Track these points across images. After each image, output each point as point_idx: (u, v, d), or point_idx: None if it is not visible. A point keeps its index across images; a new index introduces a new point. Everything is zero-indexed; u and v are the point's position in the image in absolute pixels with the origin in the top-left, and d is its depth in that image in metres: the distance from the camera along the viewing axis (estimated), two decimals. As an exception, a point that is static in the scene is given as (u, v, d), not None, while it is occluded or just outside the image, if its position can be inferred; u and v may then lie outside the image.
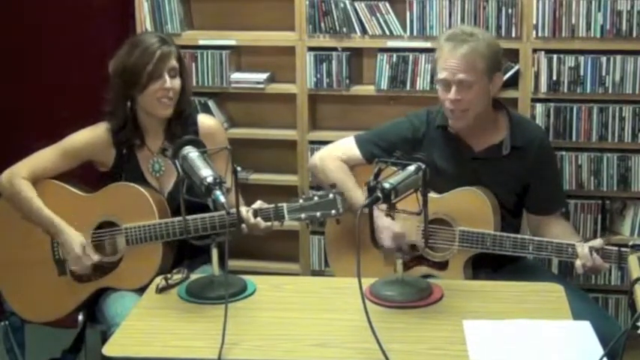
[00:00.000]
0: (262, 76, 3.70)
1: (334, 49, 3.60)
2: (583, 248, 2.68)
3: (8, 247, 2.97)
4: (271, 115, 3.81)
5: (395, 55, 3.55)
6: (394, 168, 2.49)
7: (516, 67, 3.46)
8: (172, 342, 2.30)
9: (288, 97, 3.70)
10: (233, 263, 3.16)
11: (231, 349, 2.21)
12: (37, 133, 3.19)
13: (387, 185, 2.32)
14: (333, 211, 2.62)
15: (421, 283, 2.56)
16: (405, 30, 3.52)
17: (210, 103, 3.72)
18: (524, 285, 2.59)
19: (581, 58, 3.40)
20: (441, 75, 2.84)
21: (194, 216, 2.72)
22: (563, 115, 3.45)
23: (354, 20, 3.55)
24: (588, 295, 3.11)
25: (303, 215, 2.65)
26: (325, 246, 3.20)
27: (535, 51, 3.43)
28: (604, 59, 3.38)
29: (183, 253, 2.89)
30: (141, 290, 2.70)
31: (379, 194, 2.31)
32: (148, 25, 3.67)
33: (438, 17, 3.47)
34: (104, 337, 2.80)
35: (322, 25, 3.57)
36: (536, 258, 3.08)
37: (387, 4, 3.52)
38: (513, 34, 3.43)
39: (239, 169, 2.51)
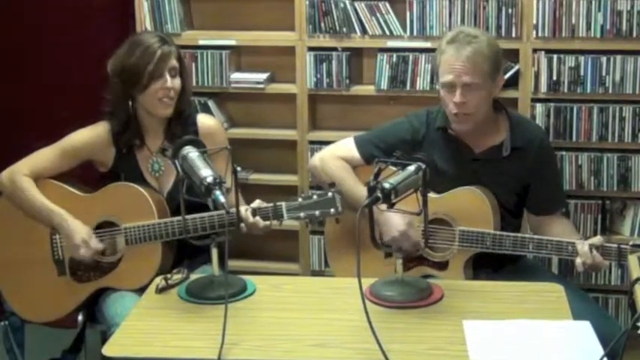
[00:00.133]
0: (262, 76, 3.70)
1: (334, 49, 3.60)
2: (583, 246, 2.67)
3: (8, 247, 2.96)
4: (271, 115, 3.81)
5: (395, 55, 3.55)
6: (394, 168, 2.49)
7: (516, 67, 3.46)
8: (172, 342, 2.30)
9: (288, 97, 3.70)
10: (233, 263, 3.16)
11: (231, 349, 2.21)
12: (37, 133, 3.18)
13: (387, 185, 2.32)
14: (332, 210, 2.62)
15: (421, 283, 2.56)
16: (405, 30, 3.52)
17: (210, 103, 3.72)
18: (524, 285, 2.59)
19: (582, 58, 3.40)
20: (446, 78, 2.82)
21: (193, 215, 2.72)
22: (563, 115, 3.45)
23: (354, 20, 3.55)
24: (588, 295, 3.11)
25: (302, 214, 2.65)
26: (325, 246, 3.20)
27: (535, 51, 3.43)
28: (604, 59, 3.38)
29: (183, 253, 2.89)
30: (141, 290, 2.69)
31: (379, 194, 2.31)
32: (148, 25, 3.67)
33: (438, 17, 3.47)
34: (104, 337, 2.80)
35: (322, 25, 3.57)
36: (537, 257, 3.08)
37: (387, 4, 3.52)
38: (513, 34, 3.43)
39: (239, 169, 2.51)
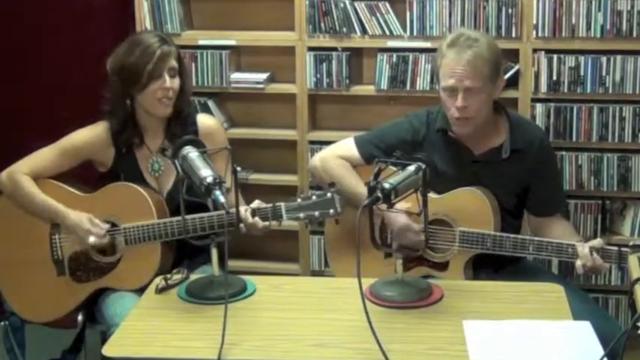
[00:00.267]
0: (262, 76, 3.70)
1: (334, 49, 3.60)
2: (583, 248, 2.67)
3: (7, 247, 2.97)
4: (271, 115, 3.81)
5: (395, 55, 3.55)
6: (394, 168, 2.49)
7: (516, 67, 3.46)
8: (172, 342, 2.30)
9: (288, 97, 3.70)
10: (233, 263, 3.16)
11: (230, 350, 2.21)
12: (37, 133, 3.18)
13: (387, 185, 2.32)
14: (332, 211, 2.62)
15: (421, 284, 2.55)
16: (405, 30, 3.52)
17: (210, 103, 3.72)
18: (525, 285, 2.59)
19: (582, 58, 3.40)
20: (448, 82, 2.81)
21: (193, 215, 2.72)
22: (563, 115, 3.44)
23: (354, 20, 3.54)
24: (588, 296, 3.11)
25: (301, 215, 2.65)
26: (325, 246, 3.20)
27: (535, 51, 3.43)
28: (604, 59, 3.38)
29: (183, 253, 2.89)
30: (140, 290, 2.69)
31: (379, 194, 2.31)
32: (148, 25, 3.66)
33: (438, 17, 3.47)
34: (104, 338, 2.80)
35: (322, 25, 3.57)
36: (537, 259, 3.08)
37: (387, 4, 3.52)
38: (513, 34, 3.43)
39: (239, 169, 2.51)
